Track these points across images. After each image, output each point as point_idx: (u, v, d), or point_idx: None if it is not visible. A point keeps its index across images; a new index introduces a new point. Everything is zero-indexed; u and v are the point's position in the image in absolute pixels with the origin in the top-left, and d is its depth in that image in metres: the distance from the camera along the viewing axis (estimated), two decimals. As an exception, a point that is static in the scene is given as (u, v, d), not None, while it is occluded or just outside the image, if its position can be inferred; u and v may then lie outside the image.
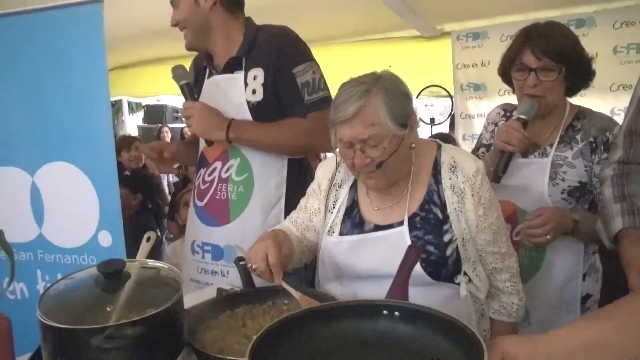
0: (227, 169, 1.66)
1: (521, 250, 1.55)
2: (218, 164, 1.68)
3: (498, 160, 1.54)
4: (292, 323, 0.87)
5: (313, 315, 0.90)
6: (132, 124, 7.04)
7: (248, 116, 1.58)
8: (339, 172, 1.35)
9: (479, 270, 1.27)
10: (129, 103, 6.56)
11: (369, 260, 1.23)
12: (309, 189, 1.41)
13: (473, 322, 1.27)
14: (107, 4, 2.60)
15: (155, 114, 7.31)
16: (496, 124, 1.74)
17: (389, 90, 1.14)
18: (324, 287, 1.34)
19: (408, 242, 1.19)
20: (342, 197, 1.33)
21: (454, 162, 1.24)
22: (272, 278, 1.11)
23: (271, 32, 1.62)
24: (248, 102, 1.58)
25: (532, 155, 1.59)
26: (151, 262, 1.14)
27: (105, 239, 1.80)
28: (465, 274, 1.23)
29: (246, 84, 1.59)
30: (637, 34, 2.95)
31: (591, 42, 3.08)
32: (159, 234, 4.13)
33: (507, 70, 1.58)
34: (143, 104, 7.69)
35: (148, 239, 1.21)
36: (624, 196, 1.34)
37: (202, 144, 1.70)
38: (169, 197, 4.40)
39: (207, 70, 1.69)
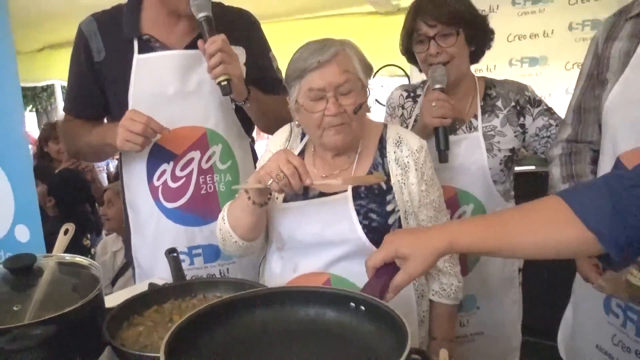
0: (209, 158, 1.59)
1: None
2: (195, 154, 1.57)
3: (437, 139, 1.54)
4: (214, 312, 0.89)
5: (235, 305, 0.91)
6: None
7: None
8: (290, 140, 1.41)
9: None
10: (63, 87, 6.27)
11: (312, 226, 1.28)
12: (260, 161, 1.44)
13: (412, 302, 1.31)
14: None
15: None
16: (403, 107, 1.74)
17: (355, 47, 1.26)
18: (267, 265, 1.41)
19: (352, 207, 1.24)
20: None
21: (399, 137, 1.33)
22: (303, 180, 1.11)
23: (243, 13, 1.67)
24: None
25: (460, 131, 1.63)
26: (69, 257, 1.12)
27: (23, 233, 1.74)
28: None
29: None
30: (592, 10, 3.06)
31: (547, 19, 3.22)
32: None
33: (409, 47, 1.62)
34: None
35: (66, 232, 1.19)
36: (572, 176, 1.41)
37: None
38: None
39: (136, 44, 1.52)
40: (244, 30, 1.61)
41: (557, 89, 3.18)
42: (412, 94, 1.74)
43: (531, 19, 3.20)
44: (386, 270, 0.94)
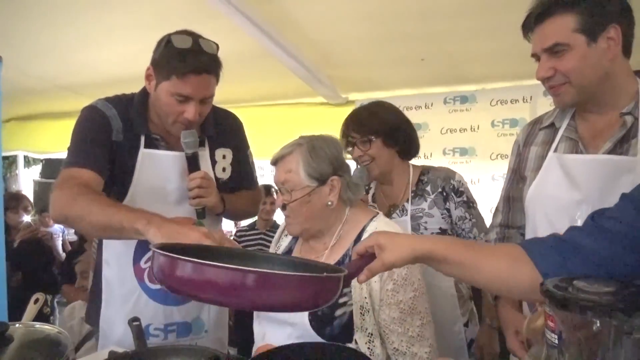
0: None
1: None
2: None
3: None
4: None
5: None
6: (27, 178, 6.58)
7: None
8: (284, 228, 1.52)
9: (375, 345, 1.23)
10: (25, 157, 6.14)
11: None
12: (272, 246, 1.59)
13: None
14: (8, 55, 2.57)
15: (55, 168, 6.84)
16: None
17: (314, 149, 1.32)
18: (254, 326, 1.45)
19: None
20: (284, 244, 1.49)
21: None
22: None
23: (229, 116, 1.79)
24: (218, 179, 1.66)
25: (395, 214, 1.81)
26: (38, 325, 1.12)
27: (-14, 302, 1.67)
28: (356, 342, 1.22)
29: (214, 162, 1.67)
30: (509, 110, 3.45)
31: (473, 116, 3.57)
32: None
33: (346, 148, 1.86)
34: (41, 159, 7.27)
35: (36, 301, 1.22)
36: None
37: None
38: (63, 256, 4.09)
39: (142, 140, 1.56)
40: (231, 132, 1.75)
41: (484, 176, 3.48)
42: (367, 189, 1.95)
43: (460, 116, 3.57)
44: (367, 258, 1.00)
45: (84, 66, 3.32)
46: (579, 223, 1.22)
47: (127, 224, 1.23)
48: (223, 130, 1.71)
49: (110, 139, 1.52)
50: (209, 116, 1.65)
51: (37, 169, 7.96)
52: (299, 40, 2.96)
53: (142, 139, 1.56)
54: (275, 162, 1.36)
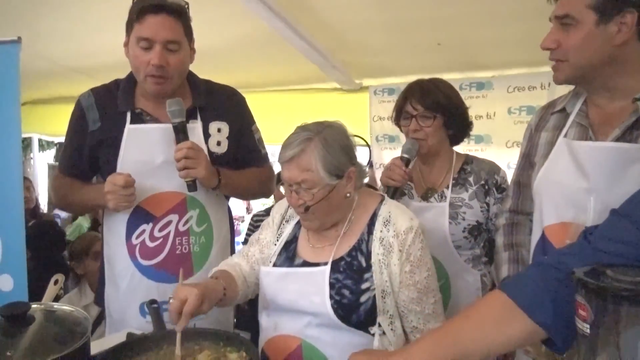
0: (186, 221, 1.63)
1: None
2: (173, 217, 1.61)
3: (387, 193, 1.63)
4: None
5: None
6: (42, 162, 6.64)
7: None
8: (291, 208, 1.43)
9: (396, 326, 1.27)
10: (40, 140, 6.19)
11: (290, 293, 1.28)
12: (264, 223, 1.49)
13: None
14: (24, 37, 2.55)
15: (68, 152, 6.88)
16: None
17: (328, 142, 1.23)
18: (260, 317, 1.40)
19: (327, 282, 1.24)
20: (287, 231, 1.41)
21: (389, 216, 1.31)
22: (176, 321, 1.13)
23: (228, 90, 1.74)
24: (212, 153, 1.62)
25: (432, 199, 1.77)
26: (57, 305, 1.13)
27: (6, 283, 1.69)
28: (379, 325, 1.24)
29: (208, 135, 1.63)
30: (527, 97, 3.39)
31: (490, 103, 3.52)
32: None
33: (398, 120, 1.80)
34: (56, 142, 7.31)
35: (56, 282, 1.23)
36: (511, 245, 1.51)
37: (138, 197, 1.57)
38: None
39: (128, 116, 1.58)
40: (228, 106, 1.70)
41: (500, 164, 3.38)
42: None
43: (476, 103, 3.49)
44: None
45: (99, 50, 3.30)
46: (590, 214, 1.20)
47: (94, 202, 1.58)
48: (218, 102, 1.67)
49: (86, 133, 1.60)
50: (201, 86, 1.65)
51: (51, 153, 8.02)
52: (313, 25, 2.92)
53: (128, 115, 1.58)
54: (286, 159, 1.25)
